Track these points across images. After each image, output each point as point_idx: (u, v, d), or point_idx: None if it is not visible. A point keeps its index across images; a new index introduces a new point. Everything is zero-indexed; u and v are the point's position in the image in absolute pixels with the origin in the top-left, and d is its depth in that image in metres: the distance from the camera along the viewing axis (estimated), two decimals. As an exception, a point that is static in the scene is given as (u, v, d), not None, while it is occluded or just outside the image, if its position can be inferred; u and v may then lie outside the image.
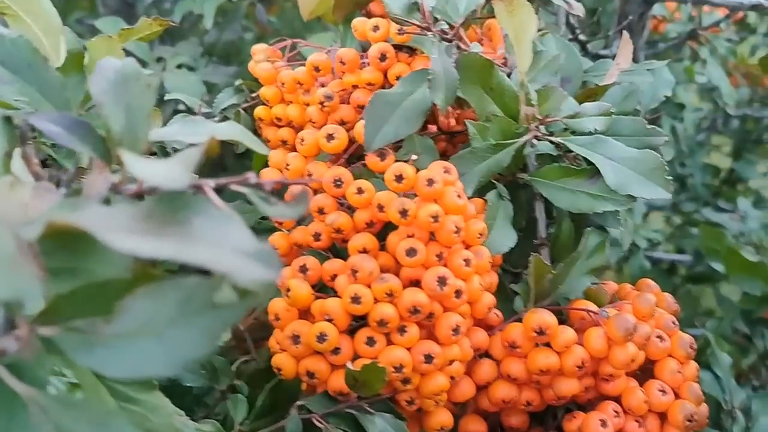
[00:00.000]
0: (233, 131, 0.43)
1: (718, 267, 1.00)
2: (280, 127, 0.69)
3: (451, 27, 0.59)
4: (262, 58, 0.71)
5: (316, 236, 0.56)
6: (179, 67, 1.03)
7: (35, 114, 0.36)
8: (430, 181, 0.52)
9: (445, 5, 0.61)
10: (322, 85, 0.66)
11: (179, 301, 0.31)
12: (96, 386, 0.39)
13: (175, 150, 0.71)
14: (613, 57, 0.98)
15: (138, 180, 0.37)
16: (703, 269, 1.28)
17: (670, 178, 0.59)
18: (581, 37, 0.94)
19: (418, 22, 0.57)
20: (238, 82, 0.75)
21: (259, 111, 0.70)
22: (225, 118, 0.73)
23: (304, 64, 0.72)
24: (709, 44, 1.15)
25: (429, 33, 0.57)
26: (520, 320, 0.57)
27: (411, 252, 0.51)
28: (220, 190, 0.35)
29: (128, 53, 0.72)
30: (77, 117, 0.37)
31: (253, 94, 0.74)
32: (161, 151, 0.69)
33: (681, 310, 0.65)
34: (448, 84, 0.56)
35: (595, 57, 1.00)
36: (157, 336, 0.31)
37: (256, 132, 0.73)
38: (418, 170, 0.54)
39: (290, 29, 1.27)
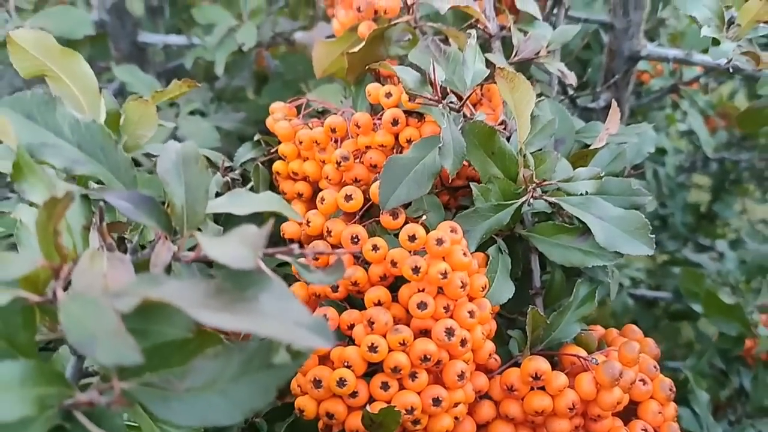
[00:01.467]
0: (273, 203, 0.50)
1: (697, 308, 1.06)
2: (296, 180, 0.75)
3: (459, 98, 0.65)
4: (280, 117, 0.77)
5: (334, 288, 0.62)
6: (192, 113, 1.08)
7: (108, 191, 0.42)
8: (440, 241, 0.58)
9: (452, 77, 0.68)
10: (336, 141, 0.72)
11: (242, 361, 0.37)
12: (152, 429, 0.45)
13: (149, 155, 0.76)
14: (601, 110, 1.06)
15: (196, 248, 0.43)
16: (683, 307, 1.35)
17: (653, 236, 0.65)
18: (571, 93, 1.01)
19: (429, 95, 0.64)
20: (256, 137, 0.81)
21: (277, 166, 0.75)
22: (245, 171, 0.79)
23: (315, 117, 0.78)
24: (689, 98, 1.23)
25: (439, 105, 0.63)
26: (517, 365, 0.63)
27: (422, 305, 0.57)
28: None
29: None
30: (144, 194, 0.43)
31: (271, 149, 0.80)
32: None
33: (662, 342, 0.71)
34: (456, 151, 0.62)
35: (584, 110, 1.07)
36: (223, 391, 0.37)
37: (273, 185, 0.79)
38: (427, 229, 0.60)
39: (293, 73, 1.33)
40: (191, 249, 0.45)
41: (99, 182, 0.45)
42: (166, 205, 0.45)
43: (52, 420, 0.36)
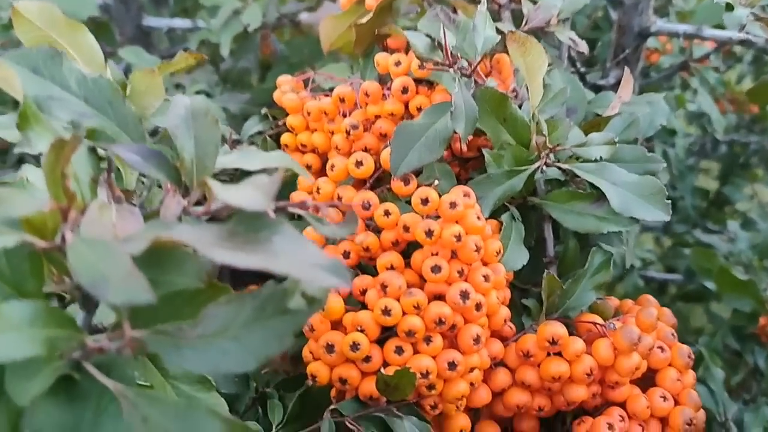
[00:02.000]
0: (283, 160, 0.49)
1: (710, 286, 1.05)
2: (304, 152, 0.74)
3: (469, 64, 0.64)
4: (288, 89, 0.76)
5: (346, 254, 0.61)
6: (198, 93, 1.08)
7: (117, 145, 0.41)
8: (453, 204, 0.57)
9: (462, 43, 0.67)
10: (344, 115, 0.71)
11: (255, 307, 0.36)
12: (164, 386, 0.44)
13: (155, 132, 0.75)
14: (611, 87, 1.05)
15: (206, 203, 0.42)
16: (694, 288, 1.34)
17: (669, 201, 0.64)
18: (581, 68, 1.00)
19: (440, 60, 0.63)
20: (263, 111, 0.80)
21: (285, 138, 0.74)
22: (252, 144, 0.78)
23: (322, 92, 0.77)
24: (700, 75, 1.21)
25: (450, 70, 0.62)
26: (532, 331, 0.62)
27: (436, 269, 0.56)
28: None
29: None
30: (153, 147, 0.42)
31: (278, 122, 0.80)
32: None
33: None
34: (468, 115, 0.61)
35: (594, 87, 1.06)
36: (236, 337, 0.36)
37: (281, 157, 0.78)
38: (439, 194, 0.59)
39: (298, 56, 1.32)
40: (199, 204, 0.44)
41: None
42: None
43: (61, 369, 0.35)
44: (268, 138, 0.77)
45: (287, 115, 0.75)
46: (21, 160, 1.04)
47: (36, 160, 0.95)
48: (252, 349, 0.35)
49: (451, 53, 0.64)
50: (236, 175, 0.58)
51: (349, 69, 1.01)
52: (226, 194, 0.36)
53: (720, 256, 1.19)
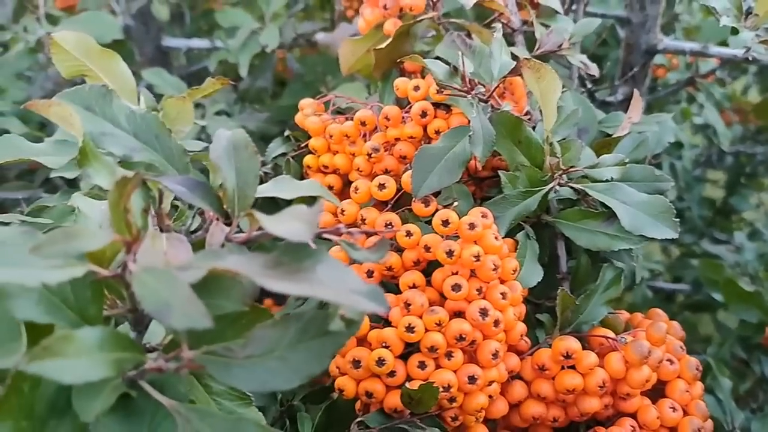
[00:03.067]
0: (314, 188, 0.52)
1: (717, 297, 1.07)
2: (326, 173, 0.77)
3: (486, 89, 0.68)
4: (310, 112, 0.79)
5: (369, 273, 0.64)
6: (218, 113, 1.11)
7: (165, 177, 0.44)
8: (472, 225, 0.60)
9: (479, 69, 0.70)
10: (364, 136, 0.74)
11: (299, 329, 0.39)
12: (208, 401, 0.47)
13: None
14: (619, 103, 1.08)
15: (247, 230, 0.46)
16: (702, 298, 1.36)
17: (677, 219, 0.67)
18: (589, 86, 1.03)
19: (458, 87, 0.66)
20: (286, 133, 0.83)
21: (307, 159, 0.78)
22: (276, 166, 0.81)
23: (339, 112, 0.80)
24: (706, 90, 1.24)
25: (468, 96, 0.66)
26: (547, 346, 0.65)
27: (456, 287, 0.59)
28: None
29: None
30: (197, 179, 0.45)
31: (300, 144, 0.83)
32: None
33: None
34: (486, 139, 0.64)
35: (602, 103, 1.09)
36: (281, 357, 0.39)
37: (303, 178, 0.81)
38: (459, 215, 0.62)
39: (313, 74, 1.36)
40: (239, 231, 0.47)
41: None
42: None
43: (121, 387, 0.38)
44: (290, 159, 0.81)
45: (309, 137, 0.78)
46: (48, 180, 1.08)
47: (66, 182, 0.98)
48: (296, 368, 0.39)
49: (469, 80, 0.67)
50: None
51: (365, 89, 1.05)
52: (271, 225, 0.39)
53: (727, 267, 1.22)
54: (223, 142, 0.46)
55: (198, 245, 0.45)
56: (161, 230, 0.47)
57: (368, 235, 0.63)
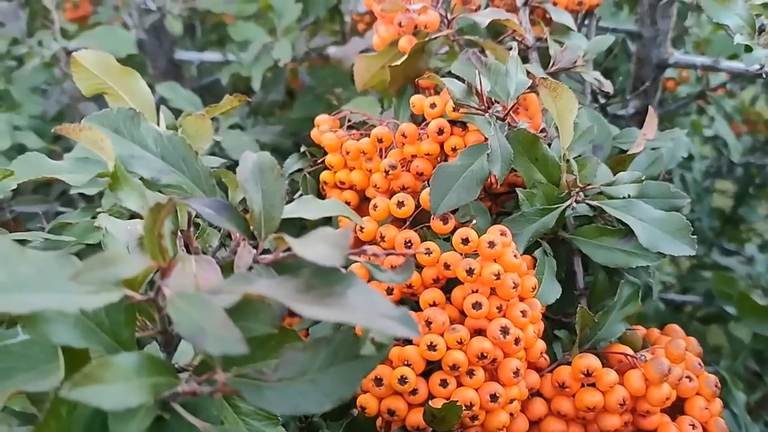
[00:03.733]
0: (337, 208, 0.52)
1: (731, 310, 1.07)
2: (343, 189, 0.77)
3: (503, 107, 0.68)
4: (326, 129, 0.80)
5: (389, 290, 0.64)
6: (231, 127, 1.12)
7: (193, 199, 0.45)
8: (492, 244, 0.60)
9: (495, 87, 0.71)
10: (380, 153, 0.75)
11: (329, 353, 0.40)
12: (236, 422, 0.47)
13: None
14: (630, 117, 1.09)
15: (274, 252, 0.46)
16: (714, 310, 1.36)
17: (694, 236, 0.67)
18: (601, 100, 1.04)
19: (476, 105, 0.66)
20: (302, 149, 0.84)
21: (324, 175, 0.78)
22: (293, 181, 0.82)
23: (353, 128, 0.81)
24: (716, 104, 1.25)
25: (486, 114, 0.66)
26: (566, 363, 0.66)
27: (477, 306, 0.60)
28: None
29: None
30: (224, 201, 0.46)
31: (316, 160, 0.83)
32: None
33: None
34: (504, 157, 0.65)
35: (614, 117, 1.09)
36: (312, 380, 0.39)
37: (320, 194, 0.81)
38: (478, 233, 0.62)
39: (323, 86, 1.36)
40: (265, 252, 0.48)
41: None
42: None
43: (155, 410, 0.39)
44: (307, 175, 0.81)
45: (325, 152, 0.78)
46: (63, 193, 1.09)
47: (84, 198, 0.99)
48: (327, 392, 0.39)
49: (486, 98, 0.67)
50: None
51: (378, 102, 1.05)
52: (301, 249, 0.39)
53: (739, 280, 1.22)
54: (249, 165, 0.47)
55: (226, 267, 0.45)
56: (188, 250, 0.47)
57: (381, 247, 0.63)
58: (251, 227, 0.47)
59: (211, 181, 0.49)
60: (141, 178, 0.46)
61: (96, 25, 1.34)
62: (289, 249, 0.43)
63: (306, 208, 0.50)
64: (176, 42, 1.36)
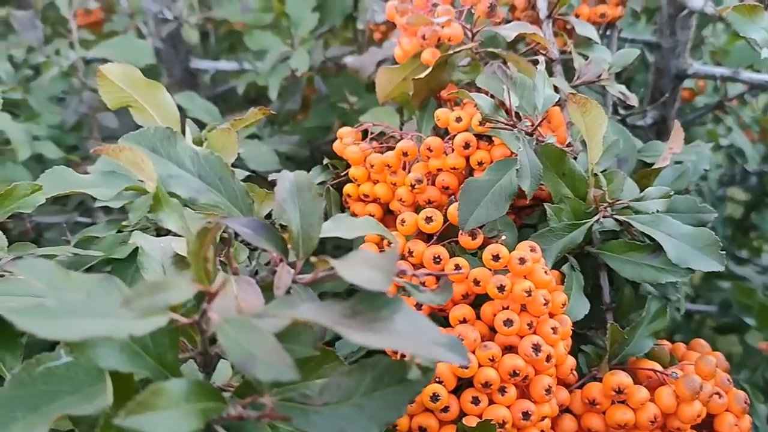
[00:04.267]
0: (372, 226, 0.52)
1: (750, 321, 1.07)
2: (366, 202, 0.77)
3: (531, 123, 0.68)
4: (349, 141, 0.80)
5: (418, 306, 0.64)
6: (249, 137, 1.12)
7: (231, 219, 0.45)
8: (522, 260, 0.60)
9: (522, 101, 0.70)
10: (405, 166, 0.75)
11: (375, 377, 0.39)
12: (274, 442, 0.47)
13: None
14: (648, 127, 1.08)
15: (313, 273, 0.46)
16: (731, 320, 1.35)
17: (723, 252, 0.67)
18: (621, 112, 1.03)
19: (504, 120, 0.66)
20: (325, 161, 0.84)
21: (348, 188, 0.78)
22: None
23: (375, 139, 0.80)
24: (734, 114, 1.24)
25: (514, 129, 0.66)
26: (594, 379, 0.65)
27: (508, 323, 0.59)
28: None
29: (200, 123, 0.81)
30: (262, 221, 0.46)
31: (339, 173, 0.83)
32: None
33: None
34: (533, 172, 0.64)
35: (632, 128, 1.09)
36: (358, 405, 0.39)
37: (342, 207, 0.81)
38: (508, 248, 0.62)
39: (338, 95, 1.36)
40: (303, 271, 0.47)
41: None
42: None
43: (199, 434, 0.38)
44: (330, 188, 0.81)
45: (347, 165, 0.78)
46: (81, 202, 1.09)
47: (103, 209, 0.98)
48: (373, 416, 0.39)
49: (514, 113, 0.67)
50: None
51: (396, 112, 1.05)
52: (346, 273, 0.39)
53: (758, 291, 1.21)
54: (287, 185, 0.47)
55: (265, 287, 0.45)
56: (225, 270, 0.47)
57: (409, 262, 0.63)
58: (289, 246, 0.46)
59: (247, 200, 0.48)
60: (175, 195, 0.46)
61: (112, 34, 1.34)
62: (330, 268, 0.43)
63: (342, 226, 0.50)
64: (192, 51, 1.36)
